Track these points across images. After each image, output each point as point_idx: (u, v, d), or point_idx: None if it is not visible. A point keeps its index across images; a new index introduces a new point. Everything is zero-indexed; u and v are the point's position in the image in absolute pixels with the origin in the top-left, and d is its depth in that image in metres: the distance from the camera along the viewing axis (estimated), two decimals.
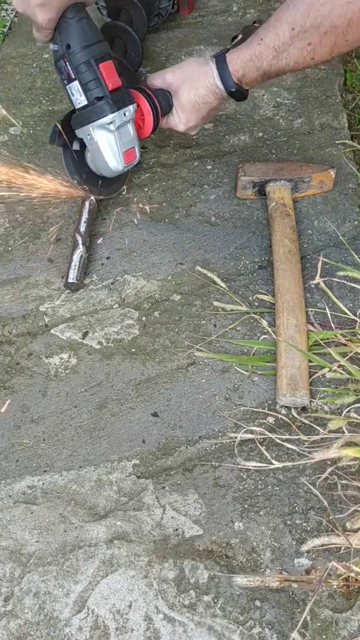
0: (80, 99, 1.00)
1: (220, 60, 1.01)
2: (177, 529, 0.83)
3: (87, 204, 1.14)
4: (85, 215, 1.13)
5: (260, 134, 1.32)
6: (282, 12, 0.92)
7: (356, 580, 0.77)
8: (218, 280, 1.07)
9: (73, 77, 0.99)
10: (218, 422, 0.93)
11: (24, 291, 1.10)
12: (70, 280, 1.06)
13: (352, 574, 0.76)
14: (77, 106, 1.02)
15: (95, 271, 1.11)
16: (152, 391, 0.97)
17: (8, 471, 0.90)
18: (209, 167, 1.27)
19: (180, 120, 1.08)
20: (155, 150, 1.30)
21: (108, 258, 1.13)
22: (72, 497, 0.87)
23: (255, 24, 1.40)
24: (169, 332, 1.03)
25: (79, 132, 1.04)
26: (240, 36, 1.40)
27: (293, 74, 1.42)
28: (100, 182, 1.11)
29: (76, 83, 0.99)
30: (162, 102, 1.06)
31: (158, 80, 1.08)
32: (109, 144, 1.02)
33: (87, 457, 0.90)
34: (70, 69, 0.99)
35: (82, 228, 1.11)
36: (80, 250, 1.09)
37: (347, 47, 0.91)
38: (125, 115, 1.00)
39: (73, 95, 1.01)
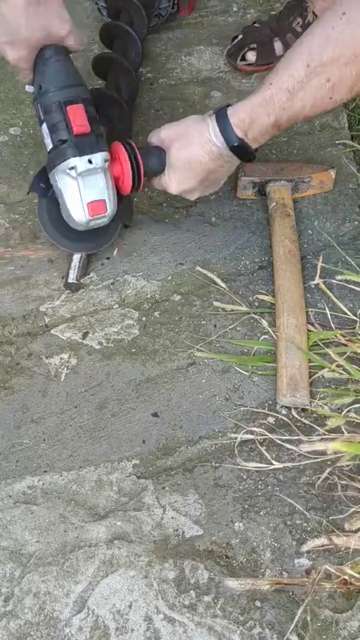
0: (48, 142, 0.95)
1: (221, 114, 0.91)
2: (177, 529, 0.83)
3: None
4: None
5: None
6: (293, 52, 0.82)
7: (356, 580, 0.77)
8: (218, 281, 1.07)
9: (42, 119, 0.95)
10: (218, 422, 0.93)
11: (24, 291, 1.10)
12: (70, 281, 1.06)
13: (346, 577, 0.76)
14: (47, 150, 0.96)
15: (96, 271, 1.11)
16: (153, 391, 0.97)
17: (8, 471, 0.90)
18: None
19: (170, 180, 0.98)
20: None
21: (108, 258, 1.13)
22: (72, 498, 0.87)
23: (256, 24, 1.40)
24: (169, 333, 1.03)
25: (50, 179, 0.97)
26: (240, 36, 1.41)
27: None
28: (76, 235, 1.02)
29: (44, 125, 0.95)
30: (152, 159, 0.98)
31: (154, 137, 1.00)
32: (70, 191, 0.94)
33: (87, 458, 0.90)
34: (40, 111, 0.96)
35: None
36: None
37: None
38: (90, 162, 0.92)
39: (44, 138, 0.96)
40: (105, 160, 0.94)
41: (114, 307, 1.07)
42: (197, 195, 1.02)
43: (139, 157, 0.97)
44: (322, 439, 0.87)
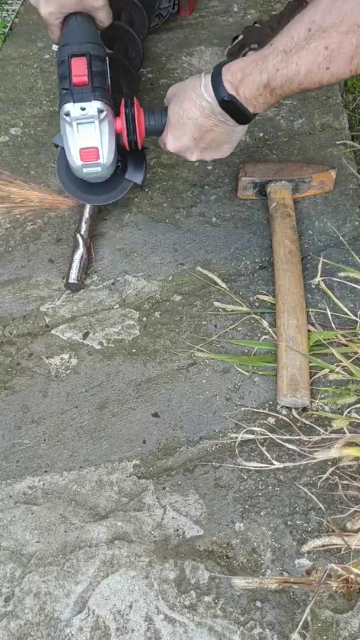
0: (58, 92, 1.01)
1: (216, 69, 0.89)
2: (177, 530, 0.83)
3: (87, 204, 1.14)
4: (86, 216, 1.13)
5: (261, 135, 1.32)
6: (297, 18, 0.80)
7: (356, 581, 0.77)
8: (219, 281, 1.07)
9: (58, 72, 1.01)
10: (219, 422, 0.93)
11: (24, 292, 1.10)
12: (71, 281, 1.06)
13: (352, 576, 0.76)
14: None
15: (96, 271, 1.11)
16: (153, 391, 0.97)
17: (9, 471, 0.90)
18: (210, 167, 1.27)
19: (166, 137, 0.99)
20: (156, 150, 1.30)
21: (109, 258, 1.13)
22: (72, 498, 0.87)
23: (256, 24, 1.40)
24: (170, 333, 1.03)
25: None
26: (241, 36, 1.41)
27: None
28: (86, 187, 1.09)
29: (58, 78, 1.01)
30: (153, 117, 1.01)
31: (166, 98, 1.02)
32: (68, 137, 0.99)
33: (87, 458, 0.90)
34: (57, 65, 1.01)
35: (83, 229, 1.11)
36: (80, 251, 1.09)
37: None
38: (83, 110, 0.96)
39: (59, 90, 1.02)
40: (100, 110, 0.98)
41: (115, 307, 1.07)
42: (197, 157, 1.00)
43: (135, 112, 1.01)
44: (322, 439, 0.87)
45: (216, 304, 1.05)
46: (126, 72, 1.25)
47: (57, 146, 1.06)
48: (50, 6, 0.99)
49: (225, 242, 1.14)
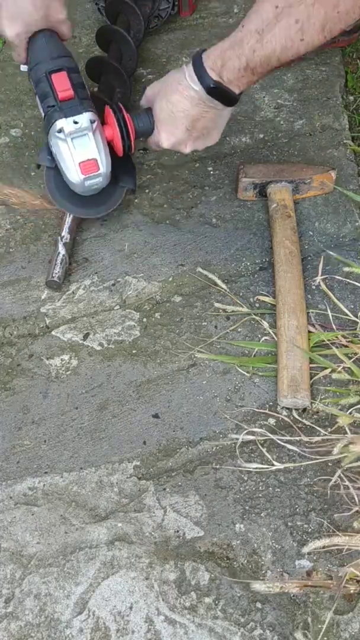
0: (41, 111, 1.01)
1: (196, 59, 0.91)
2: (178, 531, 0.83)
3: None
4: (68, 217, 1.14)
5: (261, 136, 1.32)
6: None
7: (357, 582, 0.77)
8: (219, 282, 1.07)
9: (35, 91, 1.02)
10: (219, 423, 0.93)
11: (25, 293, 1.10)
12: (49, 279, 1.07)
13: None
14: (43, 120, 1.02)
15: (97, 272, 1.12)
16: (153, 392, 0.97)
17: (9, 472, 0.90)
18: (210, 168, 1.27)
19: (159, 134, 0.99)
20: (156, 151, 1.30)
21: (109, 259, 1.13)
22: (73, 499, 0.87)
23: None
24: (170, 334, 1.03)
25: (50, 145, 1.02)
26: None
27: (294, 74, 1.42)
28: (82, 201, 1.08)
29: (37, 97, 1.01)
30: (140, 120, 1.01)
31: (143, 100, 1.03)
32: (63, 154, 0.98)
33: (88, 459, 0.90)
34: (33, 85, 1.02)
35: (65, 230, 1.12)
36: (59, 251, 1.09)
37: (339, 23, 0.81)
38: (76, 123, 0.96)
39: (40, 109, 1.02)
40: (92, 121, 0.98)
41: (115, 308, 1.07)
42: (191, 148, 1.01)
43: (125, 117, 1.01)
44: (323, 439, 0.87)
45: (216, 305, 1.05)
46: (119, 76, 1.26)
47: (39, 167, 1.06)
48: (16, 27, 0.98)
49: (225, 243, 1.14)
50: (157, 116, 0.98)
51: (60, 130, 0.96)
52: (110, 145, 1.02)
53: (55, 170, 1.04)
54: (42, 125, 1.02)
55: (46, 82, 0.98)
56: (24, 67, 1.05)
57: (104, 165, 1.00)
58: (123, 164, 1.08)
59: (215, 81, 0.89)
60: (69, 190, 1.04)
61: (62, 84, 0.98)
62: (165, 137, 0.99)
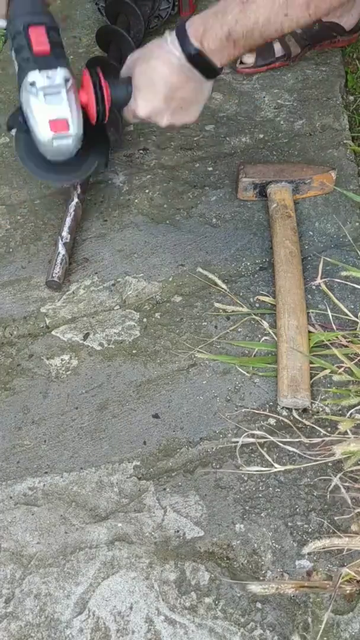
0: (15, 66, 0.96)
1: (179, 26, 0.89)
2: (178, 531, 0.83)
3: (70, 206, 1.14)
4: (69, 217, 1.13)
5: (261, 136, 1.32)
6: None
7: (357, 582, 0.77)
8: (219, 282, 1.07)
9: (11, 45, 0.97)
10: (219, 423, 0.93)
11: (25, 293, 1.10)
12: (49, 279, 1.07)
13: None
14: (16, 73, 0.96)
15: (97, 272, 1.11)
16: (153, 392, 0.96)
17: (9, 472, 0.90)
18: (210, 168, 1.27)
19: (136, 102, 0.95)
20: (157, 152, 1.30)
21: (109, 259, 1.13)
22: (73, 499, 0.87)
23: None
24: (170, 334, 1.03)
25: (21, 104, 0.97)
26: None
27: (294, 74, 1.42)
28: (53, 167, 1.02)
29: (13, 51, 0.96)
30: (118, 88, 0.97)
31: (124, 69, 0.99)
32: (34, 109, 0.93)
33: (88, 459, 0.90)
34: (9, 38, 0.97)
35: (64, 230, 1.12)
36: (60, 250, 1.09)
37: (323, 3, 0.79)
38: (49, 78, 0.91)
39: (14, 63, 0.97)
40: (67, 79, 0.94)
41: (115, 308, 1.07)
42: (167, 120, 0.97)
43: (102, 82, 0.97)
44: (323, 440, 0.87)
45: (216, 305, 1.05)
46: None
47: (10, 129, 1.02)
48: None
49: (225, 243, 1.14)
50: (136, 83, 0.94)
51: (32, 84, 0.91)
52: (84, 111, 0.98)
53: (26, 133, 1.00)
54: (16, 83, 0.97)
55: (23, 34, 0.93)
56: (2, 22, 0.99)
57: (75, 126, 0.95)
58: (96, 136, 1.03)
59: (196, 48, 0.88)
60: (39, 155, 1.00)
61: (39, 38, 0.93)
62: (143, 104, 0.95)
